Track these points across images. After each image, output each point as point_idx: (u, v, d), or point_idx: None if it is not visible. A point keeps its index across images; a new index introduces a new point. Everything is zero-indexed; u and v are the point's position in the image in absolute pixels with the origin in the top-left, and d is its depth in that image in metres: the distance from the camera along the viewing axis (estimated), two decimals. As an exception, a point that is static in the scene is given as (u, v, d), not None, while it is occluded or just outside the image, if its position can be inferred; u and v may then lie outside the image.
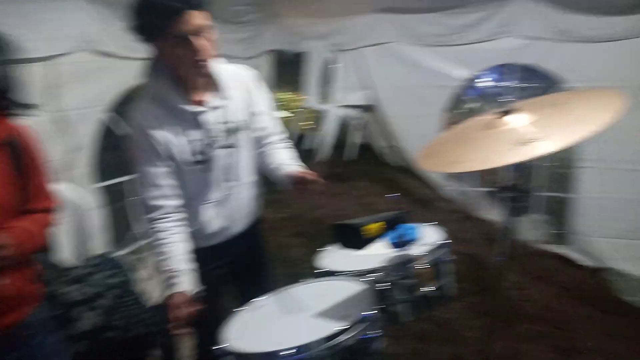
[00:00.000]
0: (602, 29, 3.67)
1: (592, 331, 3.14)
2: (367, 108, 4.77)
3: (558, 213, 4.18)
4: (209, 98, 1.60)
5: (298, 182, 1.63)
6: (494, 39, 4.01)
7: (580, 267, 3.96)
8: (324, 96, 4.82)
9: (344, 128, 5.03)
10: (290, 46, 4.76)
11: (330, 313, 1.36)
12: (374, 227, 1.35)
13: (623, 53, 3.64)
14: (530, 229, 4.14)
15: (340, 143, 5.06)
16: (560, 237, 4.15)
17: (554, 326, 3.12)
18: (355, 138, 5.12)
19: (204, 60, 1.47)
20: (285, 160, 1.77)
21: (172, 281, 1.49)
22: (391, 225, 1.46)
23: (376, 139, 5.00)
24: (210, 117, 1.59)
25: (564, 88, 3.80)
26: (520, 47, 3.95)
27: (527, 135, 1.20)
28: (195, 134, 1.58)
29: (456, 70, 4.19)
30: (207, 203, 1.68)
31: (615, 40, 3.66)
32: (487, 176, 4.16)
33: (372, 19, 4.34)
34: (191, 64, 1.46)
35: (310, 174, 1.62)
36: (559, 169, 4.19)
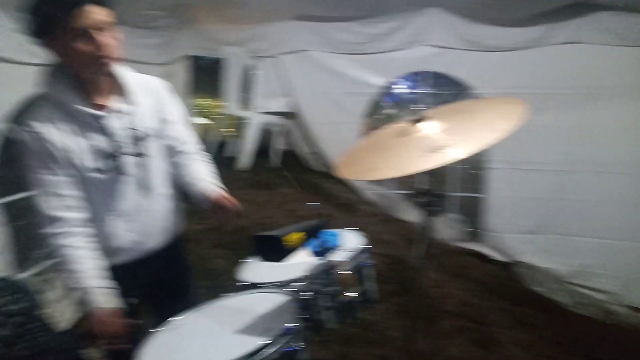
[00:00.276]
0: (505, 39, 3.96)
1: (507, 322, 3.34)
2: (288, 115, 4.77)
3: (471, 212, 4.43)
4: (114, 103, 1.51)
5: (215, 206, 1.59)
6: (407, 48, 4.18)
7: (493, 263, 4.22)
8: (245, 103, 4.76)
9: (266, 135, 5.00)
10: (208, 52, 4.66)
11: (252, 328, 1.33)
12: (294, 236, 1.34)
13: (523, 62, 3.95)
14: (447, 229, 4.35)
15: (263, 150, 5.02)
16: (474, 235, 4.40)
17: (472, 320, 3.27)
18: (278, 145, 5.11)
19: (106, 57, 1.39)
20: (202, 175, 1.71)
21: (88, 299, 1.41)
22: (312, 233, 1.46)
23: (299, 145, 5.02)
24: (115, 123, 1.50)
25: (471, 94, 4.04)
26: (431, 55, 4.16)
27: (438, 142, 1.25)
28: (98, 140, 1.48)
29: (373, 78, 4.32)
30: (116, 216, 1.57)
31: (516, 50, 3.95)
32: (405, 179, 4.31)
33: (290, 26, 4.36)
34: (92, 60, 1.38)
35: (228, 201, 1.58)
36: (472, 170, 4.42)
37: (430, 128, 1.32)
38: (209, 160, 1.82)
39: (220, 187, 1.69)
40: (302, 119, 4.60)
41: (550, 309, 3.78)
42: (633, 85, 3.76)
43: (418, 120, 1.34)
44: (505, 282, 4.02)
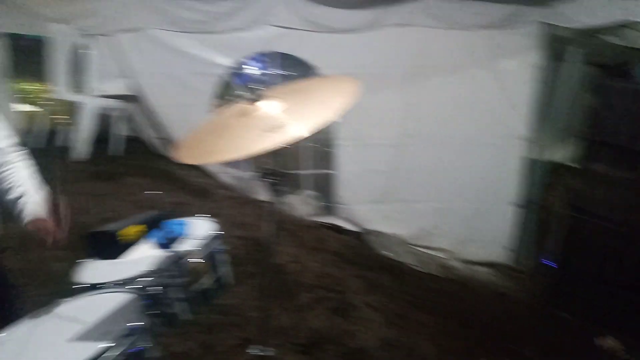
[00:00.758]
0: (344, 21, 4.12)
1: (362, 288, 3.57)
2: (129, 98, 4.42)
3: (324, 187, 4.61)
4: None
5: (36, 229, 1.42)
6: (251, 28, 4.13)
7: (347, 233, 4.47)
8: (77, 86, 4.29)
9: (105, 120, 4.58)
10: (28, 30, 4.09)
11: (92, 332, 1.21)
12: (132, 230, 1.24)
13: (362, 43, 4.16)
14: (303, 205, 4.48)
15: (102, 137, 4.61)
16: (328, 209, 4.61)
17: (329, 290, 3.43)
18: (120, 131, 4.73)
19: None
20: (21, 185, 1.51)
21: None
22: (154, 224, 1.37)
23: (145, 130, 4.70)
24: None
25: (316, 75, 4.16)
26: (276, 36, 4.17)
27: (278, 121, 1.25)
28: None
29: (219, 58, 4.20)
30: None
31: (354, 32, 4.15)
32: (259, 160, 4.32)
33: (125, 2, 4.02)
34: None
35: (46, 225, 1.43)
36: (322, 148, 4.59)
37: (270, 108, 1.32)
38: (29, 157, 1.60)
39: (42, 194, 1.50)
40: (145, 101, 4.30)
41: (398, 270, 4.14)
42: (455, 64, 4.21)
43: (256, 100, 1.32)
44: (358, 250, 4.28)
